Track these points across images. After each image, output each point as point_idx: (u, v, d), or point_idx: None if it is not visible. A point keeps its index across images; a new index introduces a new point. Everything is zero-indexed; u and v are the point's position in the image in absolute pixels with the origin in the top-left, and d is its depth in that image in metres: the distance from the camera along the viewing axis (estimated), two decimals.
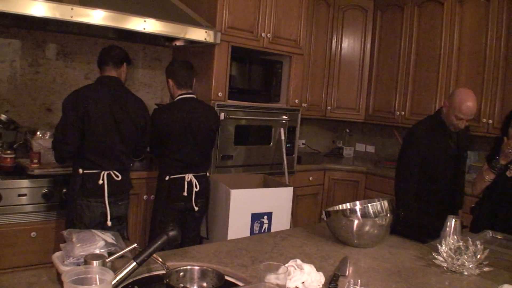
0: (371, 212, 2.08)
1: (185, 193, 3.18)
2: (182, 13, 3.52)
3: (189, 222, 3.34)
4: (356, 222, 2.07)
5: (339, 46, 5.21)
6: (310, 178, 4.70)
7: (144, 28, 3.15)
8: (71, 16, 2.86)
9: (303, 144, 5.47)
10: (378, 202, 2.12)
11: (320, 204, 4.87)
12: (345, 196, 4.82)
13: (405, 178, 3.08)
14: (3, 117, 3.33)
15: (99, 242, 1.42)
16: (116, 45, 3.12)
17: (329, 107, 5.24)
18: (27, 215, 2.93)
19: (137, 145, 3.07)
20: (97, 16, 2.96)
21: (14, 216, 2.88)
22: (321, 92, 5.18)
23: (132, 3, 3.29)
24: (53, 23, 3.19)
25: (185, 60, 3.46)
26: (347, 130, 5.69)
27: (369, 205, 2.10)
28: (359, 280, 1.36)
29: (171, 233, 1.41)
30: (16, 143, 3.31)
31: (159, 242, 1.38)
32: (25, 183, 2.91)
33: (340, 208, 2.25)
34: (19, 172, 3.00)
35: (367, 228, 2.09)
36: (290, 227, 3.52)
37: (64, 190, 3.02)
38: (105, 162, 2.85)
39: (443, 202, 3.05)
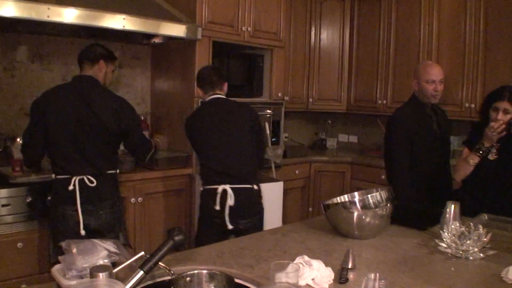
0: (371, 203, 2.04)
1: (217, 207, 2.80)
2: (161, 9, 3.45)
3: None
4: (356, 213, 2.03)
5: (318, 38, 5.18)
6: (296, 171, 4.67)
7: (123, 26, 3.07)
8: (48, 16, 2.77)
9: (286, 137, 5.43)
10: (378, 193, 2.08)
11: (307, 196, 4.86)
12: (332, 187, 4.83)
13: (398, 168, 3.06)
14: None
15: (102, 252, 1.34)
16: (96, 43, 2.98)
17: (310, 99, 5.21)
18: (11, 225, 2.83)
19: (126, 146, 2.96)
20: (74, 15, 2.86)
21: None
22: (302, 84, 5.15)
23: (109, 0, 3.19)
24: (28, 24, 3.05)
25: (211, 65, 3.35)
26: (329, 121, 5.67)
27: (368, 196, 2.06)
28: (377, 274, 1.31)
29: (177, 238, 1.34)
30: None
31: (166, 248, 1.32)
32: (7, 192, 2.80)
33: (339, 201, 2.21)
34: (0, 181, 2.89)
35: (368, 219, 2.05)
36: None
37: (48, 198, 2.88)
38: (75, 167, 2.69)
39: (434, 187, 3.04)
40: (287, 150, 4.67)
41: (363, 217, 2.04)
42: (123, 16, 3.06)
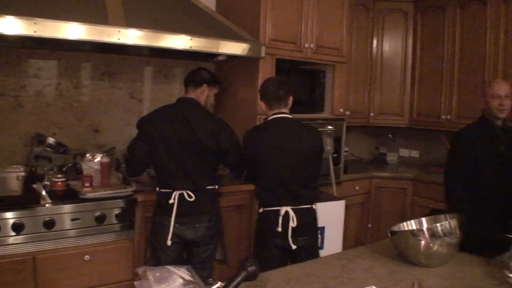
0: (440, 231, 1.99)
1: (279, 229, 2.79)
2: (226, 28, 3.49)
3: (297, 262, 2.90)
4: (424, 242, 1.99)
5: (380, 51, 5.12)
6: (357, 187, 4.61)
7: (190, 47, 3.14)
8: (118, 39, 2.86)
9: (346, 151, 5.38)
10: (447, 221, 2.03)
11: (367, 213, 4.78)
12: (392, 204, 4.75)
13: (452, 179, 3.09)
14: (52, 140, 3.34)
15: (177, 280, 1.37)
16: (202, 67, 3.20)
17: (372, 113, 5.14)
18: (80, 238, 2.92)
19: (225, 165, 3.12)
20: (144, 37, 2.96)
21: (67, 240, 2.86)
22: (364, 98, 5.10)
23: (175, 20, 3.26)
24: (97, 44, 3.17)
25: (276, 77, 3.30)
26: (390, 135, 5.57)
27: (437, 224, 2.01)
28: None
29: (250, 269, 1.36)
30: (66, 166, 3.31)
31: (239, 279, 1.33)
32: (77, 207, 2.89)
33: (407, 228, 2.17)
34: (70, 195, 2.99)
35: (435, 247, 2.01)
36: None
37: (116, 212, 3.01)
38: (176, 182, 2.88)
39: (498, 210, 2.94)
40: (347, 166, 4.63)
41: (431, 245, 1.99)
42: (190, 37, 3.13)
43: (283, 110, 2.93)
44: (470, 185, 3.03)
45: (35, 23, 2.58)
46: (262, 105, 3.01)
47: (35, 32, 2.59)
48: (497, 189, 2.99)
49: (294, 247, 2.77)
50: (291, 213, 2.78)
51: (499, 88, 3.01)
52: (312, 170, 2.94)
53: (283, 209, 2.79)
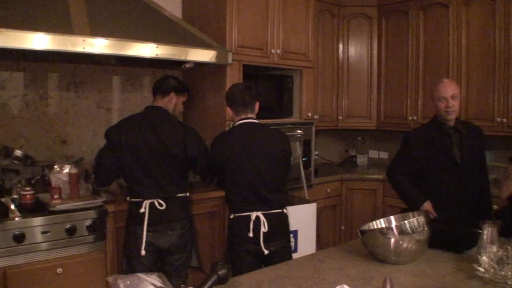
0: (408, 228, 2.04)
1: (250, 234, 2.77)
2: (192, 35, 3.49)
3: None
4: (393, 239, 2.03)
5: (346, 55, 5.20)
6: (328, 190, 4.66)
7: (156, 54, 3.13)
8: (83, 48, 2.83)
9: (316, 155, 5.43)
10: (415, 218, 2.08)
11: (339, 214, 4.83)
12: (364, 205, 4.81)
13: (393, 171, 3.20)
14: (19, 153, 3.29)
15: (148, 287, 1.37)
16: (169, 75, 3.22)
17: (340, 117, 5.21)
18: (51, 251, 2.87)
19: (195, 172, 3.12)
20: (109, 45, 2.93)
21: (38, 253, 2.82)
22: (332, 102, 5.15)
23: (141, 29, 3.26)
24: (62, 54, 3.15)
25: (241, 83, 3.28)
26: (359, 138, 5.65)
27: (405, 222, 2.06)
28: None
29: (221, 272, 1.37)
30: (34, 178, 3.26)
31: (210, 283, 1.34)
32: (47, 219, 2.85)
33: (376, 226, 2.21)
34: (40, 208, 2.95)
35: (405, 245, 2.05)
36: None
37: (87, 224, 2.97)
38: (146, 191, 2.88)
39: (449, 211, 2.95)
40: (318, 169, 4.68)
41: (401, 242, 2.03)
42: (156, 44, 3.12)
43: (250, 115, 2.93)
44: (424, 189, 3.06)
45: None
46: (229, 111, 3.00)
47: None
48: (452, 191, 3.00)
49: (266, 252, 2.77)
50: (262, 218, 2.77)
51: (445, 90, 2.97)
52: (280, 174, 2.93)
53: (253, 214, 2.77)
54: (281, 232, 2.88)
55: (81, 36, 2.83)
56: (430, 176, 3.05)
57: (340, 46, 5.18)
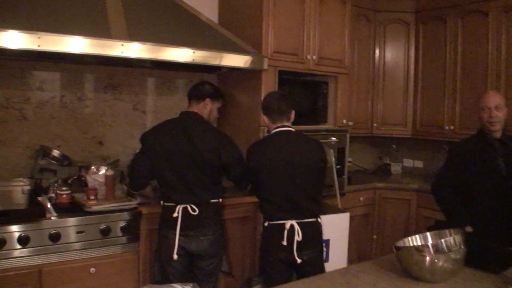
0: (444, 247, 1.99)
1: (284, 243, 2.76)
2: (228, 40, 3.51)
3: (301, 277, 2.75)
4: (428, 258, 1.98)
5: (383, 61, 5.13)
6: (361, 198, 4.61)
7: (193, 60, 3.17)
8: (122, 52, 2.88)
9: (349, 162, 5.38)
10: (452, 237, 2.03)
11: (371, 224, 4.77)
12: (397, 215, 4.73)
13: (439, 186, 3.15)
14: (56, 153, 3.36)
15: None
16: (205, 81, 3.23)
17: (375, 124, 5.15)
18: (85, 251, 2.92)
19: (229, 178, 3.10)
20: (147, 50, 2.98)
21: (72, 252, 2.87)
22: (366, 108, 5.09)
23: (178, 33, 3.29)
24: (101, 58, 3.18)
25: (277, 91, 3.26)
26: (394, 146, 5.57)
27: (442, 240, 2.01)
28: None
29: None
30: (70, 178, 3.32)
31: None
32: (83, 220, 2.90)
33: (411, 243, 2.16)
34: (75, 208, 3.00)
35: (440, 263, 2.00)
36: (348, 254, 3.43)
37: (121, 225, 3.02)
38: (179, 196, 2.89)
39: (493, 226, 2.88)
40: (351, 176, 4.63)
41: (436, 261, 1.99)
42: (193, 49, 3.15)
43: (286, 124, 2.93)
44: (467, 201, 3.00)
45: (38, 37, 2.60)
46: (264, 119, 3.01)
47: (38, 46, 2.61)
48: (495, 205, 2.93)
49: (299, 261, 2.75)
50: (296, 227, 2.76)
51: (488, 100, 2.96)
52: (315, 183, 2.93)
53: (288, 223, 2.77)
54: (314, 241, 2.87)
55: (120, 40, 2.88)
56: (474, 189, 2.99)
57: (377, 51, 5.12)
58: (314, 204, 2.90)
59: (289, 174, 2.80)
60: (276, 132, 2.92)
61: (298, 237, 2.75)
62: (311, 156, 2.88)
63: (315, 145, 2.97)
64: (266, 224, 2.87)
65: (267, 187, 2.87)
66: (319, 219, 2.91)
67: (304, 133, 3.67)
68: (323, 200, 3.51)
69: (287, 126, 2.93)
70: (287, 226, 2.76)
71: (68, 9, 2.92)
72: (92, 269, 2.94)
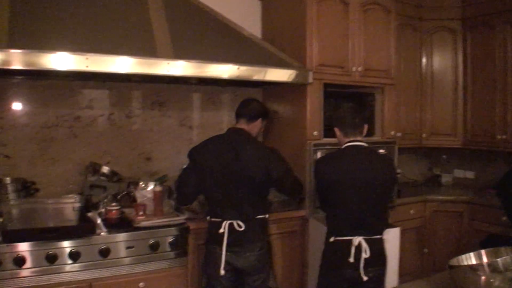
0: (501, 266, 1.90)
1: (351, 259, 2.70)
2: (272, 55, 3.52)
3: None
4: (484, 277, 1.90)
5: (430, 70, 5.01)
6: (411, 211, 4.49)
7: (237, 76, 3.20)
8: (168, 71, 2.94)
9: (398, 173, 5.26)
10: (509, 256, 1.94)
11: (422, 237, 4.63)
12: (448, 229, 4.59)
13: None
14: (106, 169, 3.44)
15: None
16: (253, 99, 3.24)
17: (424, 134, 5.01)
18: (134, 266, 2.97)
19: (284, 192, 3.16)
20: (193, 68, 3.04)
21: (122, 267, 2.92)
22: (415, 119, 4.97)
23: (222, 50, 3.32)
24: (148, 76, 3.24)
25: (350, 104, 3.21)
26: (444, 156, 5.42)
27: (499, 259, 1.92)
28: None
29: None
30: (119, 194, 3.39)
31: None
32: (132, 235, 2.95)
33: (465, 261, 2.08)
34: (125, 224, 3.06)
35: (497, 283, 1.91)
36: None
37: (170, 240, 3.05)
38: (225, 212, 2.90)
39: None
40: (400, 189, 4.52)
41: (492, 281, 1.90)
42: (237, 66, 3.18)
43: (358, 138, 2.88)
44: None
45: (86, 58, 2.68)
46: (336, 132, 2.95)
47: (87, 66, 2.69)
48: None
49: (365, 278, 2.69)
50: (364, 244, 2.71)
51: None
52: (384, 200, 2.89)
53: (356, 240, 2.71)
54: (380, 258, 2.81)
55: (166, 59, 2.93)
56: None
57: (424, 60, 5.01)
58: (380, 220, 2.86)
59: (359, 191, 2.74)
60: (348, 146, 2.86)
61: (365, 254, 2.69)
62: (383, 174, 2.82)
63: (386, 162, 2.98)
64: (331, 239, 2.81)
65: (336, 202, 2.83)
66: (384, 236, 2.84)
67: None
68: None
69: (359, 141, 2.87)
70: (355, 242, 2.71)
71: (115, 29, 3.00)
72: (141, 283, 2.98)
